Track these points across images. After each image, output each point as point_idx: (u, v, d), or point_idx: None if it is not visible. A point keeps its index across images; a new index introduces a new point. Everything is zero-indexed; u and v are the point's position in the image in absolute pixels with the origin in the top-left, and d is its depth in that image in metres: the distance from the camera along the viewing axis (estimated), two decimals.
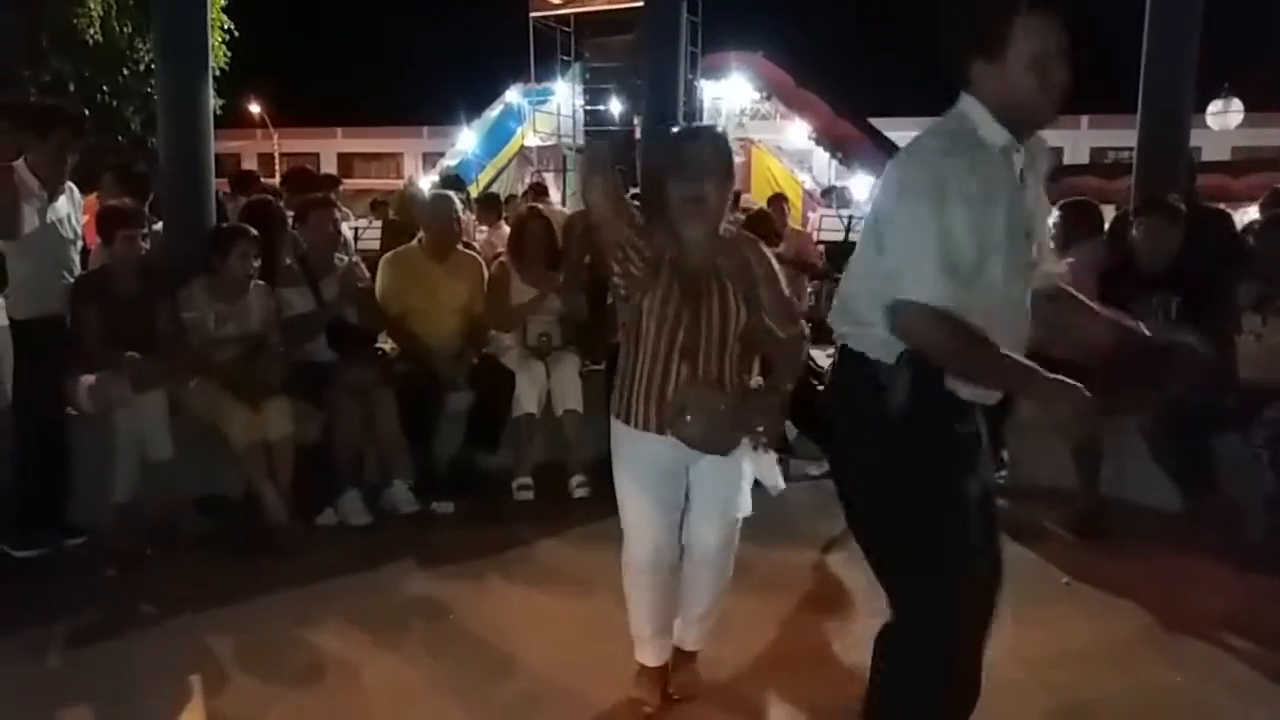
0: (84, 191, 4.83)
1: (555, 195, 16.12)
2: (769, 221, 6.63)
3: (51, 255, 4.38)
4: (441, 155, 21.06)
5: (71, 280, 4.48)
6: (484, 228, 9.17)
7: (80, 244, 4.67)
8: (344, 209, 8.71)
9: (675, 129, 3.25)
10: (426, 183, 12.82)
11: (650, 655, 3.10)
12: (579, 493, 5.01)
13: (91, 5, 14.64)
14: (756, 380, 3.04)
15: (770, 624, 3.69)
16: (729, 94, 18.61)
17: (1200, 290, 4.68)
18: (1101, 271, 5.19)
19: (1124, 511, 4.72)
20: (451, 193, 5.96)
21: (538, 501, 5.01)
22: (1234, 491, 4.44)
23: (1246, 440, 4.33)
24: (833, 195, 14.56)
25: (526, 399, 5.10)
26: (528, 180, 17.07)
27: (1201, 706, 3.12)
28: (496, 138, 18.68)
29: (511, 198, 10.63)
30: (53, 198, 4.33)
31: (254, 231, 4.75)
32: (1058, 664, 3.37)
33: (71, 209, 4.50)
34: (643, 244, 2.87)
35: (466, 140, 19.05)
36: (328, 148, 37.71)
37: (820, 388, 6.07)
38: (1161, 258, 4.82)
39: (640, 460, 2.96)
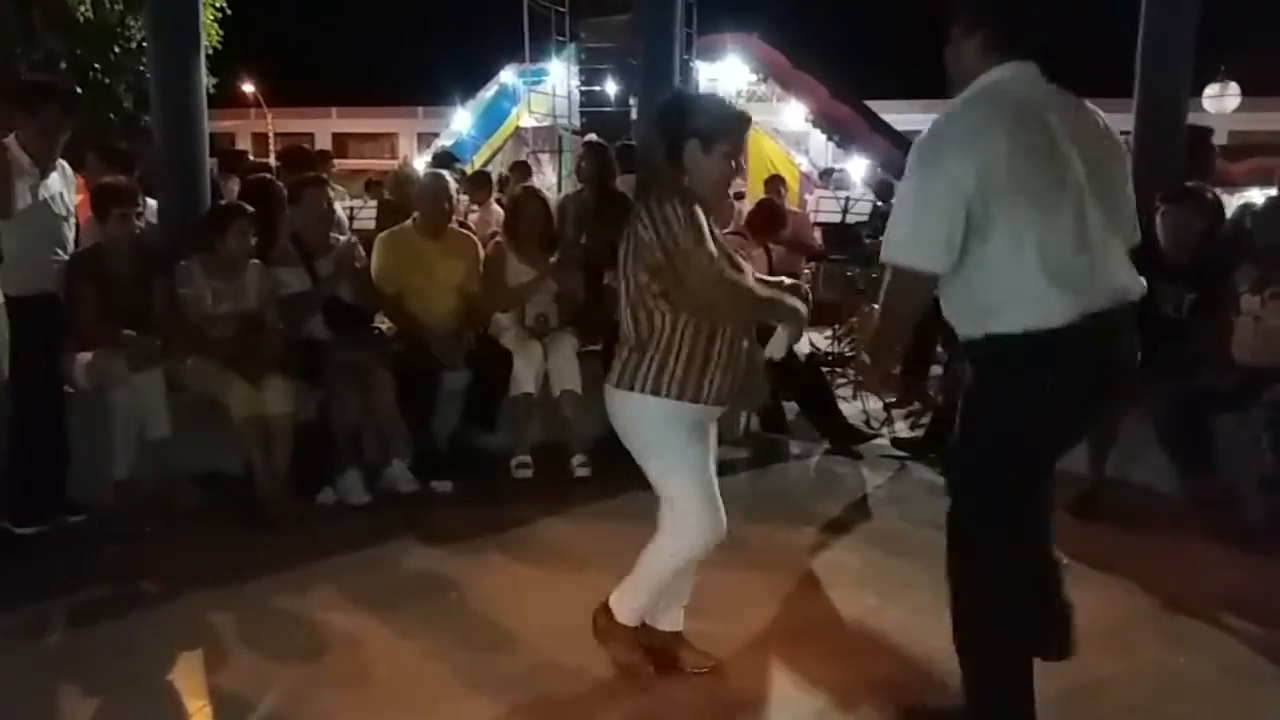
0: (74, 170, 4.80)
1: (551, 176, 16.06)
2: (779, 213, 6.54)
3: (44, 232, 4.35)
4: (436, 135, 20.94)
5: (64, 258, 4.46)
6: (475, 206, 9.12)
7: (73, 221, 4.65)
8: (338, 186, 8.67)
9: (701, 96, 3.11)
10: (421, 163, 12.74)
11: (637, 618, 3.11)
12: (580, 472, 5.01)
13: None
14: None
15: (767, 601, 3.70)
16: (725, 75, 18.53)
17: (1214, 282, 4.69)
18: None
19: (1124, 493, 4.74)
20: (445, 171, 5.93)
21: (536, 480, 5.01)
22: (1232, 473, 4.46)
23: (1245, 422, 4.34)
24: (830, 177, 14.51)
25: (524, 379, 5.09)
26: (522, 158, 17.02)
27: (1200, 687, 3.14)
28: (491, 118, 18.58)
29: (506, 178, 10.56)
30: (44, 174, 4.30)
31: (251, 209, 4.74)
32: None
33: (64, 186, 4.47)
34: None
35: (461, 121, 18.96)
36: (322, 128, 37.49)
37: (824, 370, 6.03)
38: (1184, 248, 4.80)
39: (703, 437, 2.95)
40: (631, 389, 2.86)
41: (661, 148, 2.89)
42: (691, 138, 2.84)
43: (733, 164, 2.93)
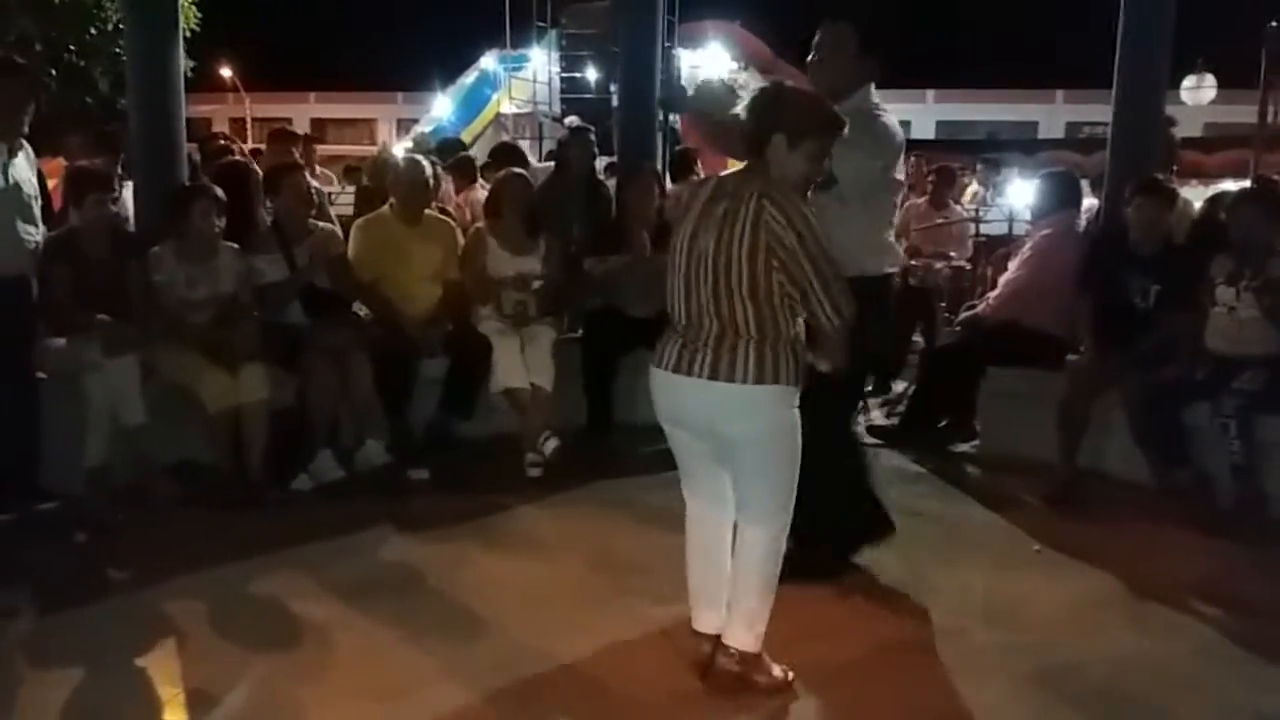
0: (51, 154, 4.74)
1: (532, 163, 15.99)
2: None
3: (15, 214, 4.28)
4: (416, 121, 20.84)
5: (36, 238, 4.40)
6: (457, 195, 9.02)
7: (41, 203, 4.58)
8: (326, 171, 8.58)
9: (798, 91, 3.03)
10: (401, 149, 12.65)
11: (762, 639, 3.03)
12: (533, 472, 4.88)
13: None
14: None
15: None
16: (707, 63, 18.49)
17: (1181, 276, 4.77)
18: (1090, 243, 5.33)
19: (1096, 481, 4.79)
20: (420, 157, 5.87)
21: (512, 470, 4.95)
22: (1204, 461, 4.50)
23: (1215, 411, 4.38)
24: None
25: (511, 374, 4.97)
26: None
27: (1168, 671, 3.17)
28: (472, 104, 18.47)
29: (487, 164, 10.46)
30: (12, 154, 4.24)
31: (216, 190, 4.69)
32: (1027, 629, 3.42)
33: (30, 169, 4.40)
34: None
35: (441, 106, 18.83)
36: (301, 112, 37.25)
37: None
38: (1152, 239, 4.96)
39: None
40: (776, 382, 2.78)
41: (746, 138, 2.84)
42: (778, 132, 2.81)
43: (821, 164, 2.92)
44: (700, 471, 3.01)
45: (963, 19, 39.11)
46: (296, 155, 6.80)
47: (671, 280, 2.91)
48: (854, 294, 2.87)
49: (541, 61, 17.15)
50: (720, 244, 2.77)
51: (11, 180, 4.23)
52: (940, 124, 34.09)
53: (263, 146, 8.22)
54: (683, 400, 2.89)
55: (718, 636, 3.03)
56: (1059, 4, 35.90)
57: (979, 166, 11.47)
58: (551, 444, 4.88)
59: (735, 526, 2.98)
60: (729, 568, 3.00)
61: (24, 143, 4.37)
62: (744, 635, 2.96)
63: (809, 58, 3.55)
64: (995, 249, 7.62)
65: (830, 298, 2.76)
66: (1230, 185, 10.09)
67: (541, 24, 16.93)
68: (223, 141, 7.92)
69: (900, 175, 3.75)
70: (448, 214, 6.06)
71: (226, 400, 4.42)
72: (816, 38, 3.46)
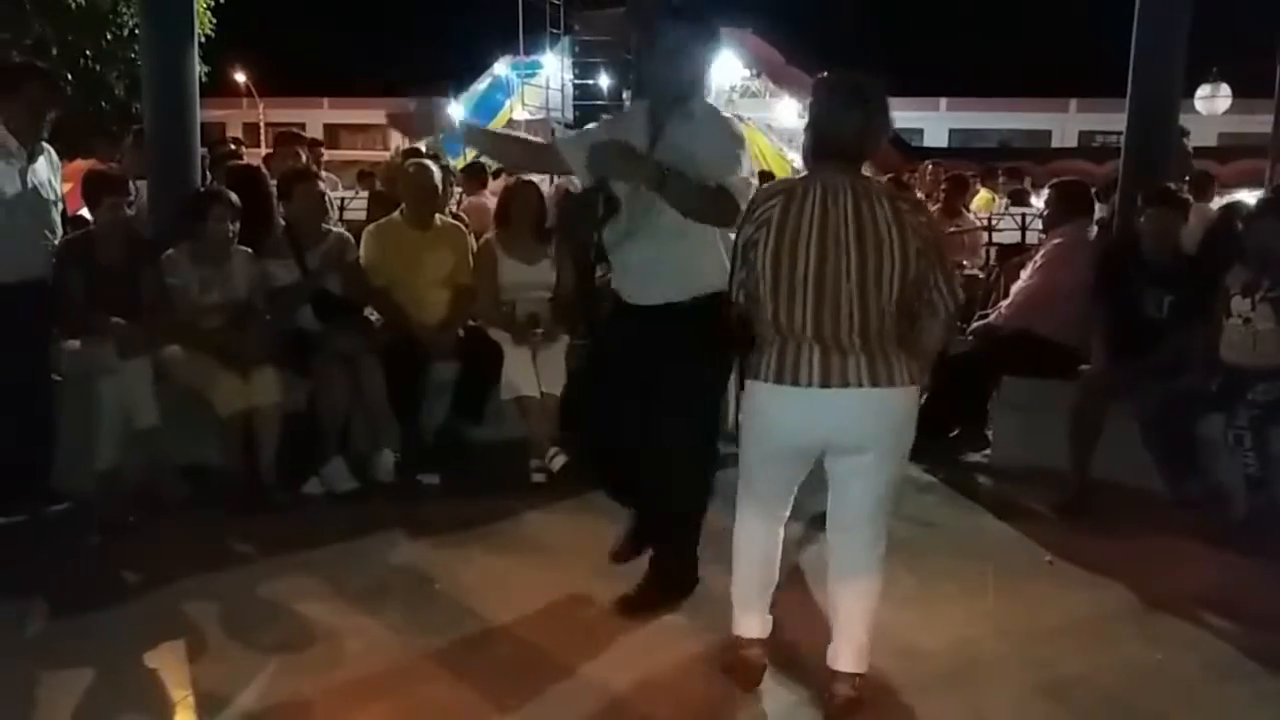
0: (70, 157, 4.77)
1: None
2: None
3: (34, 219, 4.31)
4: None
5: (54, 243, 4.43)
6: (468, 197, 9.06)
7: (61, 206, 4.61)
8: (330, 175, 8.62)
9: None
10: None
11: None
12: (537, 478, 4.89)
13: None
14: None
15: None
16: (718, 71, 18.50)
17: (1195, 286, 4.76)
18: (1102, 253, 5.31)
19: (1109, 492, 4.75)
20: (429, 161, 5.89)
21: (521, 475, 4.96)
22: (1217, 473, 4.48)
23: (1229, 422, 4.36)
24: None
25: (521, 382, 4.96)
26: None
27: (1180, 684, 3.16)
28: (484, 111, 18.54)
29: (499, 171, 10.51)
30: (32, 158, 4.27)
31: (231, 195, 4.71)
32: (1039, 640, 3.40)
33: (51, 172, 4.43)
34: None
35: (454, 113, 18.94)
36: (314, 118, 37.33)
37: None
38: (1165, 248, 4.93)
39: None
40: (913, 382, 2.82)
41: (853, 138, 2.76)
42: (885, 134, 2.83)
43: None
44: (783, 492, 3.00)
45: (976, 27, 39.09)
46: (303, 157, 6.85)
47: (788, 293, 2.75)
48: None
49: (554, 68, 17.23)
50: (865, 256, 2.68)
51: (30, 184, 4.25)
52: (953, 132, 34.07)
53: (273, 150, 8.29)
54: (837, 413, 2.79)
55: (763, 640, 3.08)
56: (1073, 12, 35.81)
57: (1001, 178, 11.41)
58: (559, 460, 4.84)
59: (839, 546, 2.93)
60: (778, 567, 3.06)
61: (47, 147, 4.39)
62: (862, 659, 2.93)
63: (652, 57, 3.39)
64: (1008, 257, 7.60)
65: (950, 285, 2.80)
66: (1245, 195, 10.05)
67: (555, 31, 17.02)
68: (231, 146, 8.01)
69: None
70: (460, 218, 6.08)
71: (238, 404, 4.44)
72: (660, 36, 3.32)
